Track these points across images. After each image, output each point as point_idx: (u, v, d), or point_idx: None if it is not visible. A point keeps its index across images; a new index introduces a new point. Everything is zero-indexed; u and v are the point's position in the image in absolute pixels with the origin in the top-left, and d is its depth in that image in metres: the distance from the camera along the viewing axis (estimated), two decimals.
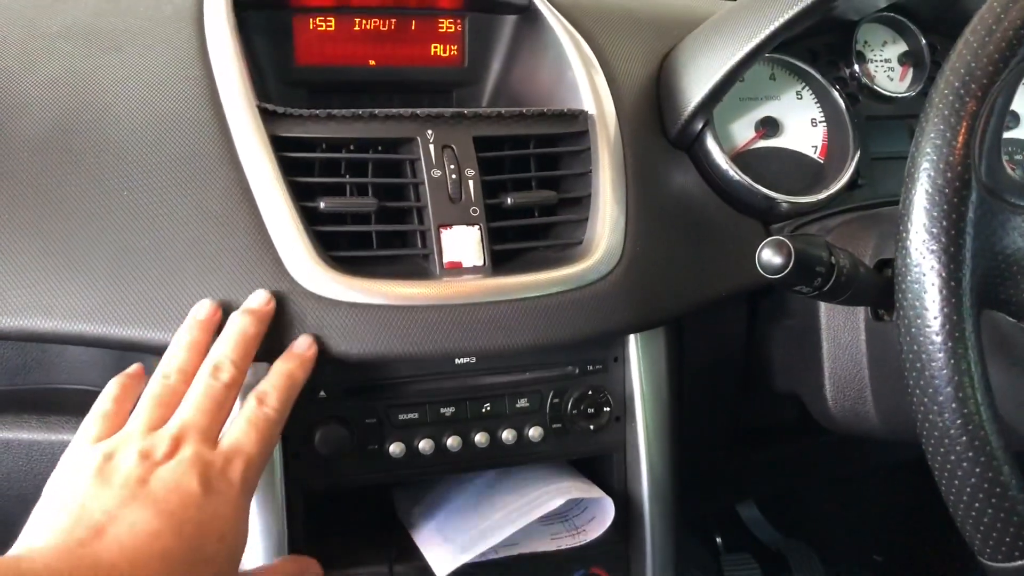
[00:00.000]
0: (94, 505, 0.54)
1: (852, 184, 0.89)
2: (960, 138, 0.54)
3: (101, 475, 0.56)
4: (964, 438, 0.53)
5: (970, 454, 0.53)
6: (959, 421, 0.53)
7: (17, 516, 0.78)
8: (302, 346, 0.67)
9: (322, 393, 0.71)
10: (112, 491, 0.55)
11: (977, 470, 0.53)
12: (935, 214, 0.54)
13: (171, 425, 0.60)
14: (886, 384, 0.77)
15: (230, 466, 0.59)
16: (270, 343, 0.67)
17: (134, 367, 0.69)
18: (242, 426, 0.62)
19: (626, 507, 0.79)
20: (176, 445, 0.59)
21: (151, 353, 0.71)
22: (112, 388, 0.65)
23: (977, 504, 0.54)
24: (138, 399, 0.63)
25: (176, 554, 0.54)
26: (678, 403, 0.82)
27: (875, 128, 0.94)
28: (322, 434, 0.70)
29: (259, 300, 0.67)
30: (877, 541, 1.54)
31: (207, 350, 0.65)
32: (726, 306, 0.86)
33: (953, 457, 0.54)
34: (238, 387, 0.63)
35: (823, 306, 0.81)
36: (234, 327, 0.65)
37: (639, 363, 0.78)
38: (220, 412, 0.62)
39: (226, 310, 0.67)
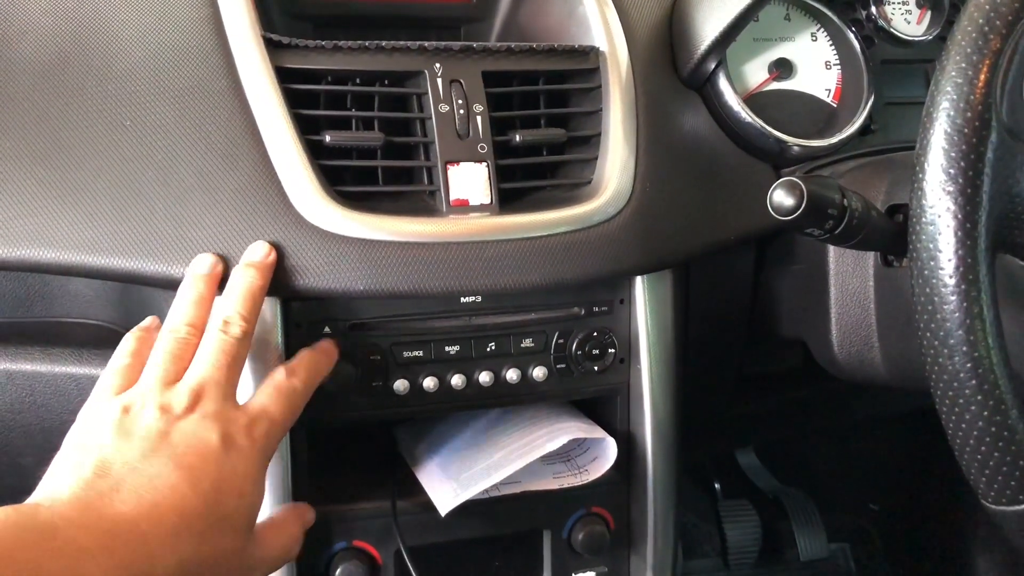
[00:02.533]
0: (115, 457, 0.54)
1: (865, 129, 0.88)
2: (982, 77, 0.53)
3: (122, 427, 0.56)
4: (973, 382, 0.53)
5: (979, 398, 0.53)
6: (969, 365, 0.53)
7: (21, 447, 0.78)
8: (324, 346, 0.69)
9: (327, 329, 0.70)
10: (133, 443, 0.55)
11: (985, 414, 0.53)
12: (953, 154, 0.53)
13: (188, 379, 0.60)
14: (893, 330, 0.76)
15: (254, 425, 0.60)
16: (276, 279, 0.66)
17: (149, 320, 0.69)
18: (270, 392, 0.63)
19: (628, 448, 0.80)
20: (195, 400, 0.59)
21: (154, 286, 0.71)
22: (129, 342, 0.65)
23: (983, 448, 0.54)
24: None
25: (193, 509, 0.54)
26: (683, 346, 0.82)
27: (890, 72, 0.92)
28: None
29: (260, 253, 0.66)
30: (873, 490, 1.55)
31: (211, 303, 0.64)
32: (733, 250, 0.85)
33: (961, 400, 0.54)
34: (249, 340, 0.63)
35: (831, 251, 0.80)
36: (238, 281, 0.64)
37: (645, 305, 0.77)
38: (235, 366, 0.62)
39: (226, 258, 0.67)
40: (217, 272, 0.66)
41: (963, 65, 0.54)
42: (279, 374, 0.64)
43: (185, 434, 0.57)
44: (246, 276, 0.64)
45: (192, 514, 0.54)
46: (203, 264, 0.66)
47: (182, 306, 0.64)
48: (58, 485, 0.53)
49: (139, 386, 0.60)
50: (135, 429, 0.56)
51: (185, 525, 0.53)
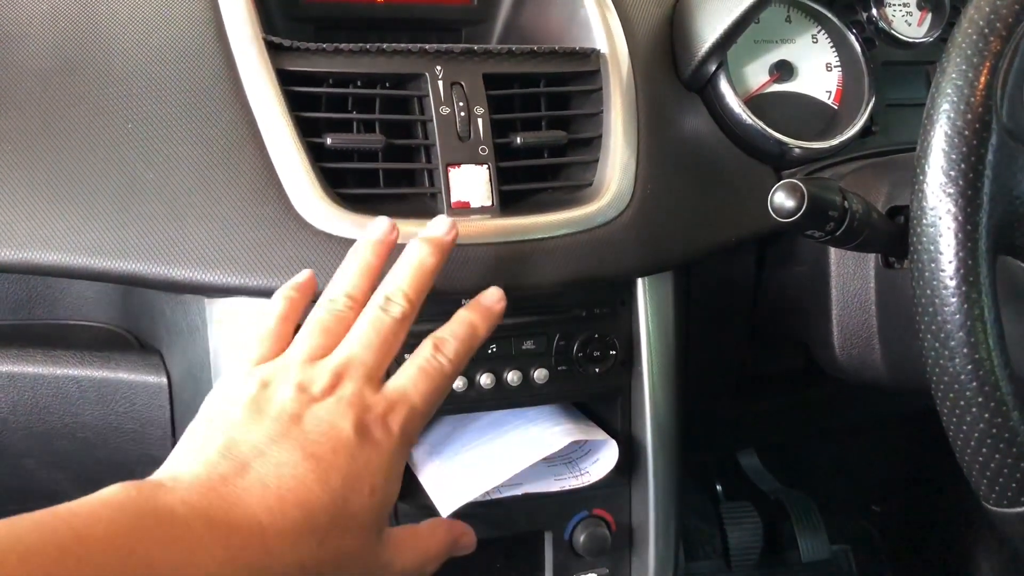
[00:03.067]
0: (243, 438, 0.51)
1: (866, 131, 0.88)
2: (982, 79, 0.53)
3: (255, 405, 0.53)
4: (974, 384, 0.53)
5: (980, 400, 0.53)
6: (970, 367, 0.53)
7: (23, 449, 0.79)
8: (491, 298, 0.63)
9: None
10: (263, 425, 0.52)
11: (986, 416, 0.53)
12: (954, 156, 0.53)
13: (334, 357, 0.56)
14: (894, 332, 0.77)
15: (392, 413, 0.55)
16: (269, 278, 0.66)
17: (303, 276, 0.63)
18: (412, 372, 0.57)
19: (629, 450, 0.80)
20: (337, 380, 0.54)
21: (155, 288, 0.71)
22: (278, 303, 0.60)
23: (984, 450, 0.54)
24: (304, 317, 0.59)
25: (319, 504, 0.50)
26: (684, 348, 0.82)
27: (891, 74, 0.93)
28: None
29: (442, 228, 0.61)
30: (875, 492, 1.55)
31: (380, 276, 0.59)
32: (734, 252, 0.85)
33: (962, 403, 0.54)
34: (409, 323, 0.58)
35: (832, 253, 0.80)
36: (412, 256, 0.59)
37: (646, 307, 0.77)
38: (387, 350, 0.57)
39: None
40: (391, 239, 0.61)
41: (963, 67, 0.54)
42: (424, 350, 0.58)
43: (319, 420, 0.52)
44: (420, 252, 0.59)
45: (317, 511, 0.50)
46: (379, 228, 0.61)
47: (346, 274, 0.59)
48: (182, 464, 0.50)
49: (283, 358, 0.56)
50: (268, 408, 0.53)
51: (308, 523, 0.50)
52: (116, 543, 0.43)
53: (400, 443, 0.55)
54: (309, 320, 0.58)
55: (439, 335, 0.60)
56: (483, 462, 0.73)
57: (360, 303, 0.58)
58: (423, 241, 0.60)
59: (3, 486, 0.83)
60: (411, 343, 0.60)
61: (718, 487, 1.47)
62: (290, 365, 0.55)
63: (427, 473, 0.75)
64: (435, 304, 0.71)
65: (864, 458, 1.53)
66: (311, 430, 0.52)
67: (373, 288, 0.59)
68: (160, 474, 0.51)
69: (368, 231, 0.62)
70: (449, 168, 0.72)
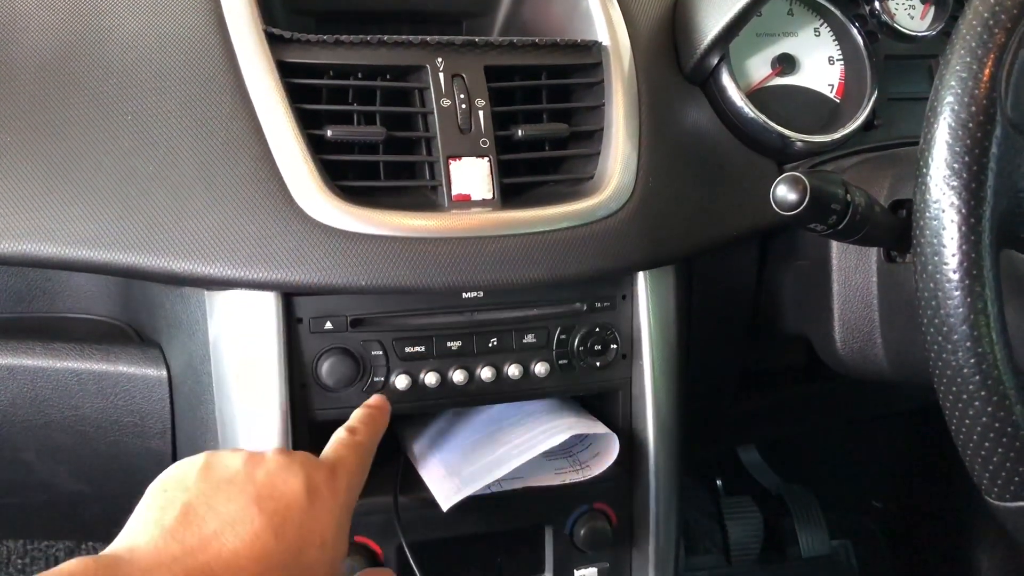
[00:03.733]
0: (198, 501, 0.53)
1: (868, 124, 0.87)
2: (987, 71, 0.53)
3: (207, 470, 0.56)
4: (977, 377, 0.53)
5: (982, 393, 0.53)
6: (972, 360, 0.53)
7: (22, 442, 0.79)
8: (376, 402, 0.69)
9: (328, 324, 0.70)
10: (218, 486, 0.54)
11: (989, 409, 0.53)
12: (957, 149, 0.53)
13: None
14: (896, 326, 0.76)
15: (334, 476, 0.59)
16: (269, 271, 0.67)
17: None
18: (338, 448, 0.62)
19: (630, 444, 0.79)
20: (281, 451, 0.59)
21: (155, 281, 0.71)
22: None
23: (987, 443, 0.54)
24: None
25: (275, 556, 0.53)
26: (685, 342, 0.82)
27: (893, 68, 0.92)
28: (328, 365, 0.70)
29: (377, 400, 0.69)
30: (876, 487, 1.55)
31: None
32: (736, 246, 0.85)
33: (965, 396, 0.53)
34: (361, 453, 0.63)
35: (835, 247, 0.80)
36: (366, 411, 0.67)
37: (647, 301, 0.77)
38: (335, 446, 0.63)
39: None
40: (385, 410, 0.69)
41: (967, 59, 0.53)
42: (340, 434, 0.64)
43: (271, 476, 0.56)
44: (375, 409, 0.67)
45: (274, 562, 0.52)
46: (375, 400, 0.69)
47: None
48: (139, 534, 0.52)
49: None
50: (220, 472, 0.56)
51: (267, 573, 0.52)
52: None
53: (344, 504, 0.59)
54: None
55: (348, 424, 0.65)
56: (484, 456, 0.73)
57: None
58: (371, 406, 0.68)
59: (3, 478, 0.83)
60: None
61: (718, 482, 1.47)
62: (237, 448, 0.60)
63: (428, 467, 0.75)
64: (440, 298, 0.72)
65: (864, 454, 1.53)
66: (263, 486, 0.55)
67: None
68: (117, 546, 0.52)
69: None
70: (450, 161, 0.71)
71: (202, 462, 0.56)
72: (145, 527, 0.52)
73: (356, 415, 0.66)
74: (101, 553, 0.50)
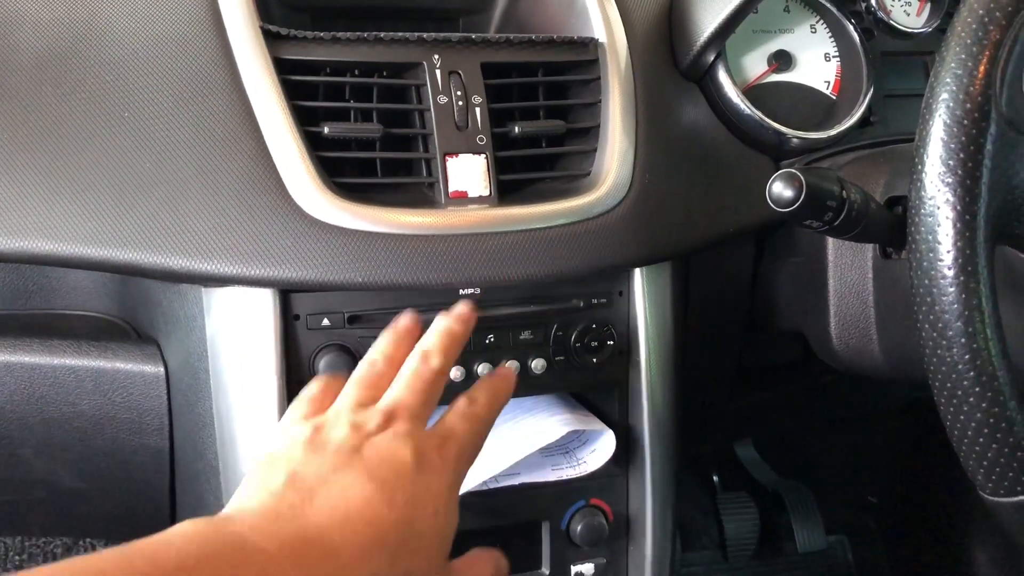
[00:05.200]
0: (307, 470, 0.52)
1: (864, 121, 0.88)
2: (981, 68, 0.53)
3: (313, 444, 0.54)
4: (972, 373, 0.53)
5: (977, 389, 0.53)
6: (967, 356, 0.53)
7: (19, 438, 0.79)
8: (503, 372, 0.67)
9: (326, 321, 0.70)
10: (325, 457, 0.53)
11: (983, 405, 0.53)
12: (952, 146, 0.53)
13: (383, 402, 0.58)
14: (892, 322, 0.77)
15: (445, 446, 0.57)
16: (266, 268, 0.67)
17: (337, 375, 0.66)
18: (454, 417, 0.60)
19: (627, 440, 0.80)
20: (388, 420, 0.56)
21: (152, 278, 0.71)
22: (317, 380, 0.63)
23: (982, 439, 0.54)
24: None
25: (387, 522, 0.51)
26: (682, 339, 0.82)
27: (889, 65, 0.92)
28: (325, 362, 0.70)
29: (465, 309, 0.65)
30: (872, 483, 1.55)
31: (411, 346, 0.63)
32: (732, 243, 0.85)
33: (960, 392, 0.54)
34: (446, 376, 0.61)
35: (830, 244, 0.80)
36: (440, 325, 0.63)
37: (644, 297, 0.77)
38: (430, 395, 0.60)
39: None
40: (417, 332, 0.64)
41: (963, 56, 0.54)
42: (460, 403, 0.62)
43: (378, 449, 0.54)
44: (447, 322, 0.63)
45: (386, 528, 0.51)
46: (403, 320, 0.65)
47: (381, 342, 0.63)
48: (247, 498, 0.51)
49: (332, 409, 0.58)
50: (327, 444, 0.54)
51: (378, 539, 0.51)
52: (189, 569, 0.44)
53: (455, 472, 0.57)
54: (352, 378, 0.61)
55: (470, 393, 0.63)
56: (480, 452, 0.73)
57: (397, 364, 0.61)
58: (447, 316, 0.64)
59: (0, 475, 0.83)
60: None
61: (715, 478, 1.48)
62: (341, 411, 0.57)
63: None
64: (431, 295, 0.72)
65: (860, 449, 1.53)
66: (371, 458, 0.54)
67: (407, 354, 0.62)
68: (227, 510, 0.51)
69: (395, 323, 0.64)
70: (447, 157, 0.71)
71: (307, 435, 0.55)
72: (253, 492, 0.52)
73: (480, 383, 0.64)
74: (213, 516, 0.50)
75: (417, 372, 0.60)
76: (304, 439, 0.55)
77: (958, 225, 0.53)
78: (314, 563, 0.48)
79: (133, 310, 0.81)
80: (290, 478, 0.52)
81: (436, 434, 0.58)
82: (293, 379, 0.70)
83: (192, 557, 0.44)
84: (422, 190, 0.73)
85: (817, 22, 0.90)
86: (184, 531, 0.46)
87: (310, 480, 0.52)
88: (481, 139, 0.72)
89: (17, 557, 1.26)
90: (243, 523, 0.48)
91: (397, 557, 0.51)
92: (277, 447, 0.55)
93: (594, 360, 0.77)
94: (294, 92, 0.70)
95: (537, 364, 0.75)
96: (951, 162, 0.53)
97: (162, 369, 0.76)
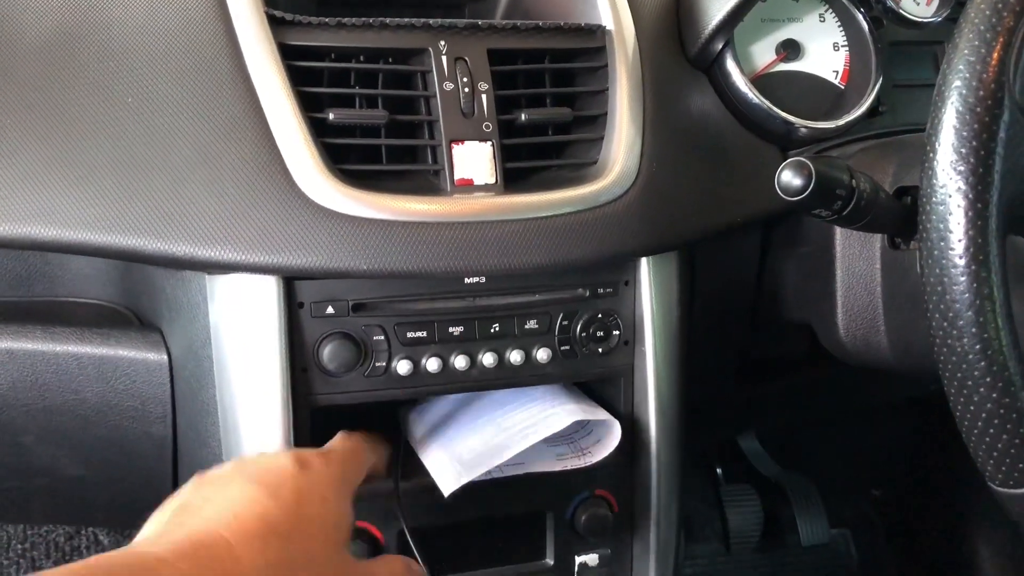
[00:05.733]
0: (192, 497, 0.55)
1: (873, 111, 0.87)
2: (995, 55, 0.53)
3: (199, 480, 0.57)
4: (982, 363, 0.53)
5: (987, 379, 0.53)
6: (978, 346, 0.53)
7: (22, 426, 0.78)
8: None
9: (330, 309, 0.70)
10: (209, 484, 0.56)
11: (994, 395, 0.53)
12: (965, 134, 0.52)
13: None
14: (900, 314, 0.76)
15: (324, 454, 0.61)
16: (269, 255, 0.66)
17: None
18: (333, 440, 0.66)
19: (632, 431, 0.79)
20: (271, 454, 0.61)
21: (155, 264, 0.70)
22: None
23: (991, 430, 0.53)
24: None
25: (275, 515, 0.53)
26: (687, 329, 0.81)
27: (899, 54, 0.92)
28: (330, 350, 0.70)
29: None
30: (875, 476, 1.55)
31: None
32: (739, 233, 0.84)
33: (970, 382, 0.53)
34: (358, 440, 0.67)
35: (838, 234, 0.80)
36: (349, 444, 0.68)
37: (650, 287, 0.77)
38: (319, 455, 0.62)
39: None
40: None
41: (976, 43, 0.53)
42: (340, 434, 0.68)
43: (258, 463, 0.57)
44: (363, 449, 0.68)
45: (274, 517, 0.53)
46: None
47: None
48: (142, 540, 0.53)
49: None
50: (210, 476, 0.57)
51: (269, 528, 0.52)
52: None
53: (341, 470, 0.60)
54: None
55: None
56: (485, 442, 0.73)
57: None
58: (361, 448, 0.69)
59: (3, 463, 0.82)
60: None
61: (718, 470, 1.47)
62: None
63: (429, 453, 0.74)
64: (436, 284, 0.71)
65: (864, 442, 1.53)
66: (252, 470, 0.57)
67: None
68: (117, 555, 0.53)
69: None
70: (452, 145, 0.71)
71: (193, 480, 0.58)
72: (144, 534, 0.54)
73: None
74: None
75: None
76: (192, 482, 0.57)
77: (970, 214, 0.52)
78: (209, 558, 0.49)
79: (136, 297, 0.80)
80: (178, 507, 0.54)
81: (314, 449, 0.62)
82: (297, 367, 0.70)
83: (100, 573, 0.45)
84: (427, 177, 0.72)
85: (826, 11, 0.90)
86: (83, 562, 0.47)
87: (196, 502, 0.54)
88: (487, 126, 0.72)
89: (20, 546, 1.26)
90: (135, 545, 0.50)
91: (291, 541, 0.53)
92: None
93: (599, 350, 0.76)
94: (299, 78, 0.69)
95: (542, 354, 0.75)
96: (963, 150, 0.52)
97: (165, 357, 0.76)
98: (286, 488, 0.55)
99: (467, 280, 0.72)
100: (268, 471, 0.56)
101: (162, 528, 0.52)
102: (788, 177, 0.60)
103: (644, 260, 0.77)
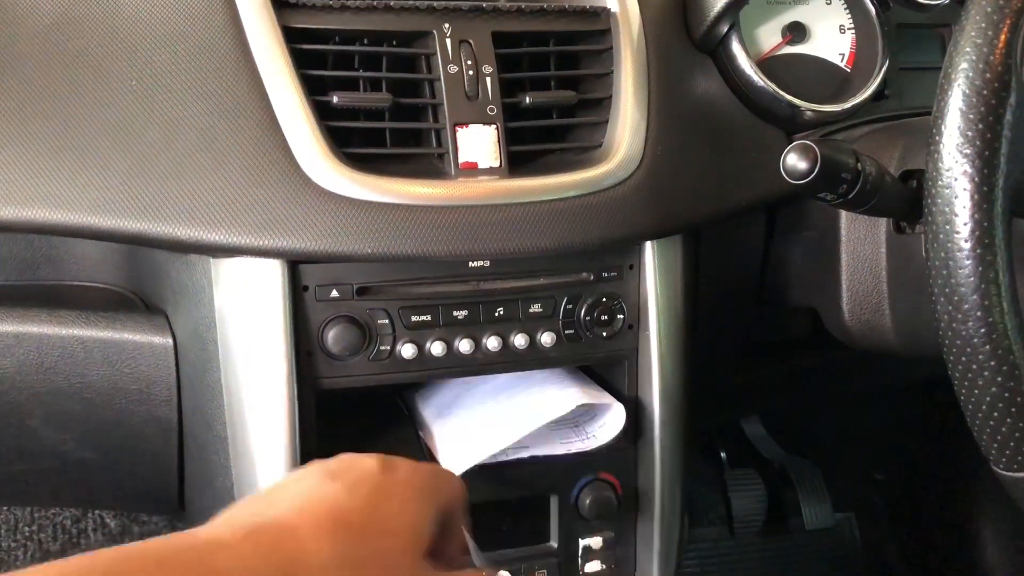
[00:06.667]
0: (269, 488, 0.52)
1: (879, 94, 0.86)
2: (1002, 37, 0.52)
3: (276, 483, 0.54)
4: (987, 347, 0.53)
5: (992, 363, 0.53)
6: (983, 330, 0.53)
7: (29, 408, 0.79)
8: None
9: (334, 292, 0.70)
10: (288, 478, 0.53)
11: (998, 379, 0.53)
12: (971, 116, 0.52)
13: None
14: (905, 297, 0.76)
15: (415, 465, 0.56)
16: (274, 238, 0.66)
17: None
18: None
19: (636, 414, 0.79)
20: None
21: (159, 247, 0.70)
22: None
23: (996, 413, 0.54)
24: None
25: (349, 510, 0.50)
26: (692, 313, 0.81)
27: (905, 37, 0.91)
28: (334, 333, 0.70)
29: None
30: (879, 460, 1.55)
31: None
32: (744, 217, 0.84)
33: (975, 366, 0.53)
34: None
35: (843, 217, 0.79)
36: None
37: (655, 271, 0.77)
38: None
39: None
40: None
41: (983, 25, 0.53)
42: None
43: (341, 460, 0.54)
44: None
45: (347, 511, 0.50)
46: None
47: None
48: (214, 534, 0.50)
49: None
50: (291, 473, 0.55)
51: (341, 522, 0.49)
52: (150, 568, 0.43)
53: (427, 482, 0.55)
54: None
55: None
56: (490, 425, 0.73)
57: None
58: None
59: (10, 446, 0.83)
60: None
61: (722, 454, 1.48)
62: None
63: (435, 436, 0.75)
64: (440, 267, 0.71)
65: (868, 426, 1.53)
66: (334, 466, 0.53)
67: None
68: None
69: None
70: (457, 128, 0.71)
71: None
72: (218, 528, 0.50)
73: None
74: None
75: None
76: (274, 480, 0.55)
77: (975, 197, 0.52)
78: (272, 543, 0.46)
79: (141, 281, 0.80)
80: (252, 498, 0.51)
81: (407, 460, 0.56)
82: (302, 350, 0.70)
83: (152, 555, 0.43)
84: (432, 161, 0.72)
85: None
86: (139, 544, 0.45)
87: (269, 493, 0.51)
88: (491, 109, 0.71)
89: (27, 528, 1.27)
90: (197, 535, 0.47)
91: (365, 537, 0.50)
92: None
93: (604, 334, 0.76)
94: (303, 61, 0.69)
95: (547, 337, 0.75)
96: (970, 133, 0.52)
97: (170, 340, 0.76)
98: (365, 485, 0.52)
99: (471, 264, 0.72)
100: (350, 469, 0.53)
101: (230, 514, 0.49)
102: (793, 160, 0.60)
103: (648, 244, 0.76)
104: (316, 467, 0.53)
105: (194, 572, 0.43)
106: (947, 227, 0.53)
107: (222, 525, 0.48)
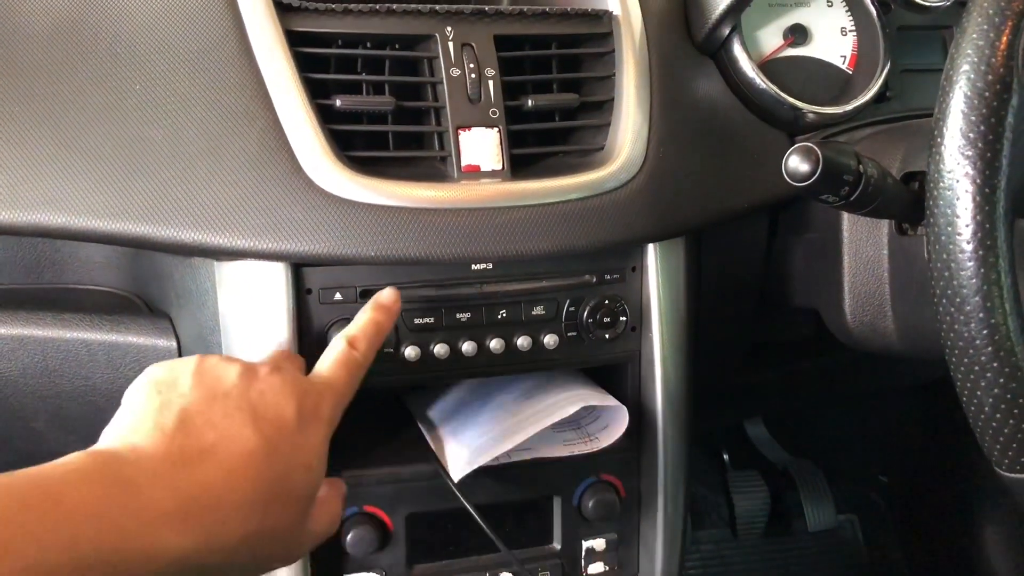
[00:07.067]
0: (196, 411, 0.54)
1: (881, 96, 0.86)
2: (1003, 39, 0.52)
3: (201, 379, 0.56)
4: (989, 348, 0.53)
5: (994, 365, 0.53)
6: (985, 331, 0.53)
7: (33, 411, 0.79)
8: (388, 298, 0.68)
9: (338, 295, 0.70)
10: (214, 398, 0.55)
11: (1001, 380, 0.53)
12: (973, 118, 0.52)
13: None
14: (907, 299, 0.76)
15: (322, 400, 0.59)
16: (278, 241, 0.67)
17: None
18: (332, 365, 0.62)
19: (639, 416, 0.80)
20: (275, 367, 0.59)
21: (163, 251, 0.71)
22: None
23: (998, 415, 0.54)
24: None
25: (265, 478, 0.53)
26: (694, 315, 0.81)
27: (907, 39, 0.91)
28: None
29: (388, 298, 0.68)
30: (882, 462, 1.55)
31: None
32: (746, 218, 0.84)
33: (977, 367, 0.53)
34: (367, 366, 0.64)
35: (846, 219, 0.79)
36: (366, 316, 0.66)
37: (657, 273, 0.77)
38: (351, 382, 0.63)
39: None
40: (396, 309, 0.68)
41: (984, 27, 0.53)
42: (339, 345, 0.63)
43: (265, 397, 0.56)
44: (374, 313, 0.66)
45: (263, 484, 0.53)
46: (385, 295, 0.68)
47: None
48: (138, 432, 0.52)
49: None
50: (216, 384, 0.56)
51: (256, 497, 0.53)
52: (88, 509, 0.46)
53: (328, 425, 0.59)
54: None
55: (350, 333, 0.64)
56: (494, 427, 0.73)
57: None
58: (374, 305, 0.66)
59: (14, 448, 0.83)
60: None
61: (725, 456, 1.48)
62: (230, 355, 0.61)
63: (439, 438, 0.75)
64: (443, 270, 0.71)
65: (871, 428, 1.53)
66: (258, 406, 0.55)
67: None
68: (112, 441, 0.52)
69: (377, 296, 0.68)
70: (459, 131, 0.71)
71: (194, 366, 0.57)
72: (143, 425, 0.52)
73: (361, 321, 0.65)
74: (94, 447, 0.51)
75: (340, 359, 0.62)
76: (191, 370, 0.56)
77: (977, 199, 0.52)
78: (200, 519, 0.50)
79: (145, 284, 0.81)
80: (181, 419, 0.53)
81: (316, 387, 0.59)
82: (306, 353, 0.70)
83: (91, 499, 0.46)
84: (434, 164, 0.73)
85: None
86: (82, 467, 0.48)
87: (199, 424, 0.53)
88: (494, 112, 0.72)
89: None
90: (138, 466, 0.49)
91: (268, 512, 0.53)
92: (161, 373, 0.57)
93: (606, 336, 0.77)
94: (306, 64, 0.69)
95: (549, 339, 0.75)
96: (971, 135, 0.52)
97: (174, 343, 0.76)
98: (282, 450, 0.54)
99: (474, 266, 0.73)
100: (271, 419, 0.55)
101: (164, 445, 0.51)
102: (795, 163, 0.60)
103: (651, 246, 0.77)
104: (239, 400, 0.55)
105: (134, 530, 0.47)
106: (949, 229, 0.53)
107: (158, 469, 0.50)
